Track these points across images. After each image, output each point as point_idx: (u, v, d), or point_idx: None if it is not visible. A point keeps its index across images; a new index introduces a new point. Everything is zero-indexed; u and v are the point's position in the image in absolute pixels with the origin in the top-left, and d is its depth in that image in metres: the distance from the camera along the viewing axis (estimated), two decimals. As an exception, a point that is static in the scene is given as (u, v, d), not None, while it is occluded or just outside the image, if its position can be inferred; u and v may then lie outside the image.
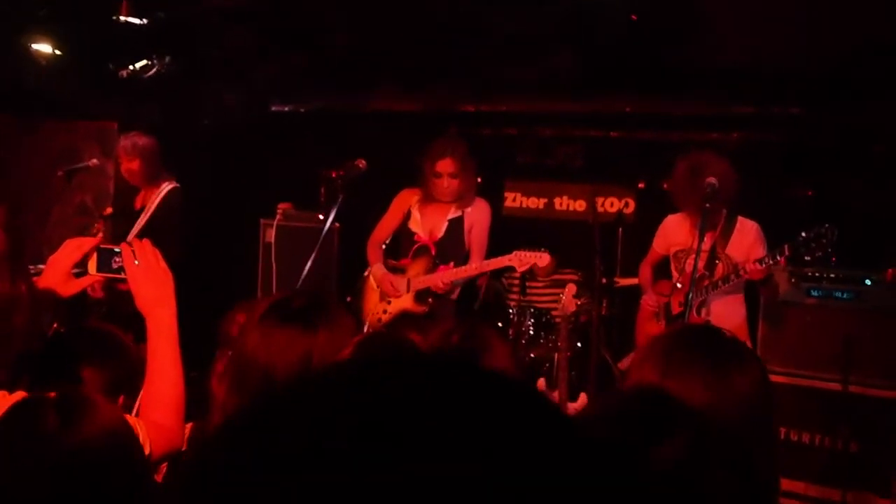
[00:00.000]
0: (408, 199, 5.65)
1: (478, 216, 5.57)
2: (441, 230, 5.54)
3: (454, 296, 5.54)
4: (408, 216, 5.63)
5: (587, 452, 0.60)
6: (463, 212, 5.54)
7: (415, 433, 0.55)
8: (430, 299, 5.45)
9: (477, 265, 5.38)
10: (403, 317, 5.45)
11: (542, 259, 5.22)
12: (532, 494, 0.54)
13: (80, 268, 2.32)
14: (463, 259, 5.50)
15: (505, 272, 6.50)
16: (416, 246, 5.56)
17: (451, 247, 5.52)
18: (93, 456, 1.55)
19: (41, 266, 2.34)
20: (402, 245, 5.69)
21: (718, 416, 1.71)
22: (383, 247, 5.76)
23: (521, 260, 5.23)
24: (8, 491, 1.48)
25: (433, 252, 5.50)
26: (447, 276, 5.37)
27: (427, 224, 5.57)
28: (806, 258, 4.58)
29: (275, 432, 0.58)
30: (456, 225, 5.55)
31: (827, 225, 4.49)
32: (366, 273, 5.77)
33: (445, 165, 5.39)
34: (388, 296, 5.56)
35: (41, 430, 1.53)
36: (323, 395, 0.60)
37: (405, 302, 5.48)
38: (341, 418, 0.56)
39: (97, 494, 1.53)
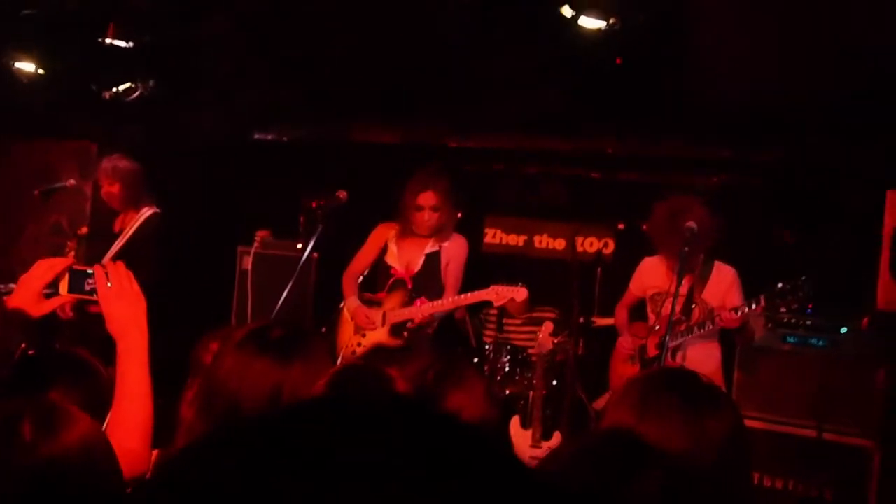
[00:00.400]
0: (385, 233, 5.65)
1: (455, 252, 5.57)
2: (418, 264, 5.54)
3: (430, 330, 5.54)
4: (384, 250, 5.64)
5: (542, 496, 0.62)
6: (440, 246, 5.55)
7: (370, 473, 0.56)
8: (405, 333, 5.45)
9: (454, 299, 5.39)
10: (378, 350, 5.43)
11: (520, 294, 5.24)
12: None
13: (52, 288, 2.29)
14: (438, 293, 5.50)
15: (482, 308, 6.50)
16: (392, 279, 5.57)
17: (428, 281, 5.53)
18: (69, 467, 1.52)
19: (12, 285, 2.32)
20: (378, 278, 5.69)
21: (694, 460, 1.71)
22: (359, 280, 5.75)
23: (498, 294, 5.24)
24: None
25: (409, 286, 5.51)
26: (425, 309, 5.37)
27: (404, 258, 5.57)
28: (781, 309, 4.63)
29: (235, 458, 0.58)
30: (433, 259, 5.55)
31: (804, 277, 4.54)
32: (340, 305, 5.76)
33: (427, 198, 5.40)
34: (362, 329, 5.54)
35: (15, 439, 1.50)
36: (285, 428, 0.61)
37: (380, 335, 5.48)
38: (297, 453, 0.57)
39: None
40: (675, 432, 1.75)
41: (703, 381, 1.97)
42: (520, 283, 5.27)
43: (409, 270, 5.55)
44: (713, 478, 1.74)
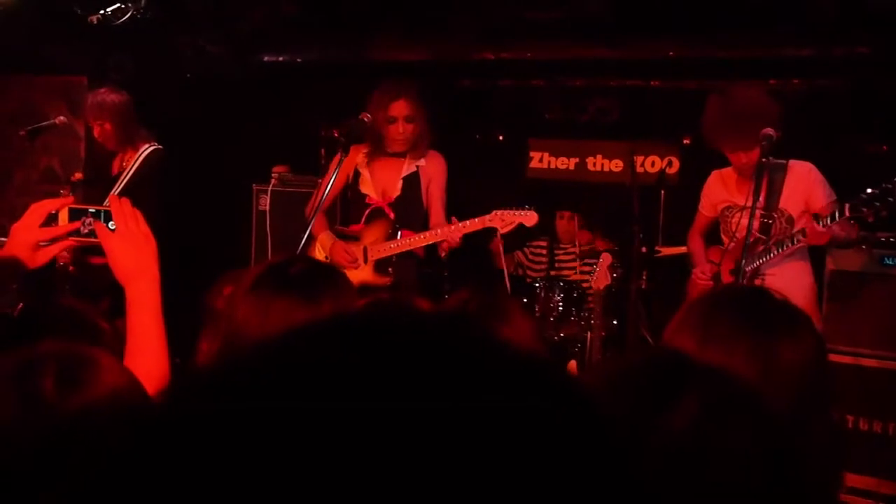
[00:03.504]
0: (352, 157, 5.51)
1: (434, 169, 5.48)
2: (396, 189, 5.45)
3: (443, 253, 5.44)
4: (356, 176, 5.55)
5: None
6: (417, 166, 5.47)
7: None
8: (390, 269, 5.40)
9: (449, 228, 5.29)
10: (364, 290, 5.38)
11: (529, 218, 5.17)
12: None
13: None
14: (422, 220, 5.45)
15: (526, 240, 6.53)
16: (369, 209, 5.48)
17: (409, 207, 5.44)
18: (98, 424, 1.50)
19: (3, 239, 2.34)
20: (351, 210, 5.61)
21: (763, 391, 1.71)
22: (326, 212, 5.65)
23: (502, 220, 5.16)
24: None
25: (391, 215, 5.45)
26: (414, 241, 5.30)
27: (379, 184, 5.48)
28: (869, 220, 4.48)
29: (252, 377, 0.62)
30: (412, 182, 5.47)
31: None
32: (311, 245, 5.66)
33: (399, 108, 5.29)
34: (343, 268, 5.46)
35: (36, 395, 1.45)
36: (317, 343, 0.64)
37: (363, 274, 5.40)
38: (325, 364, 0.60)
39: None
40: (741, 358, 1.74)
41: (777, 299, 1.94)
42: (528, 207, 5.22)
43: (386, 197, 5.45)
44: (786, 413, 1.72)
